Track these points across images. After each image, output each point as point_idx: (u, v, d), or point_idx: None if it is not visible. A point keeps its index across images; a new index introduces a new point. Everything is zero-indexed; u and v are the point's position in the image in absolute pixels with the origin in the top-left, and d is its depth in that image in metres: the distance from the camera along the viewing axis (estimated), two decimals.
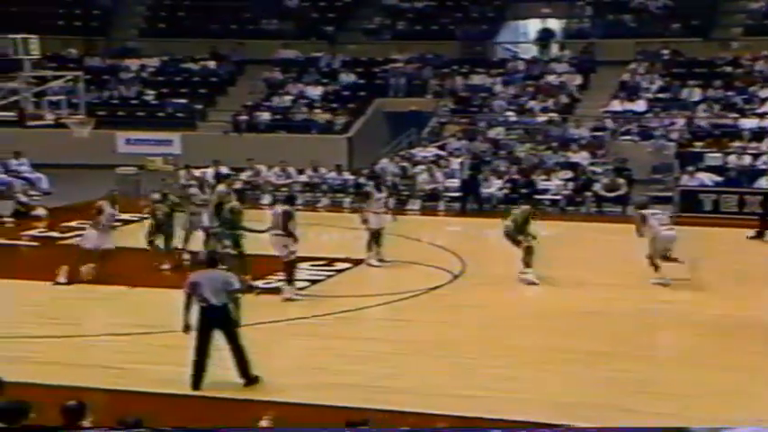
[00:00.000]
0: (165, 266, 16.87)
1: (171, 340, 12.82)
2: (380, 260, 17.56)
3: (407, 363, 12.26)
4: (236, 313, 11.15)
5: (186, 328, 11.08)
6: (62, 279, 15.88)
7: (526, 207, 16.85)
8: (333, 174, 25.97)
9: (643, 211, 16.31)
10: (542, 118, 29.18)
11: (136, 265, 16.88)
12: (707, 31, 31.52)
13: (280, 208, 15.71)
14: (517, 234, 16.30)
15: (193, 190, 18.56)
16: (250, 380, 11.20)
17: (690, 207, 23.00)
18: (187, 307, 11.04)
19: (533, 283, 16.08)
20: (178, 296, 15.39)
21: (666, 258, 15.91)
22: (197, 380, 11.10)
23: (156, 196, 17.55)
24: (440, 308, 15.03)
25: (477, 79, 31.84)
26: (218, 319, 11.00)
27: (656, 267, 15.93)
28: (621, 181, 23.91)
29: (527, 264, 16.21)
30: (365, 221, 17.61)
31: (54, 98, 20.28)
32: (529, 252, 16.20)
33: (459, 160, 26.03)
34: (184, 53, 34.56)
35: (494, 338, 13.34)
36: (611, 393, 11.15)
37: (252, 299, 13.81)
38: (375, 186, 18.60)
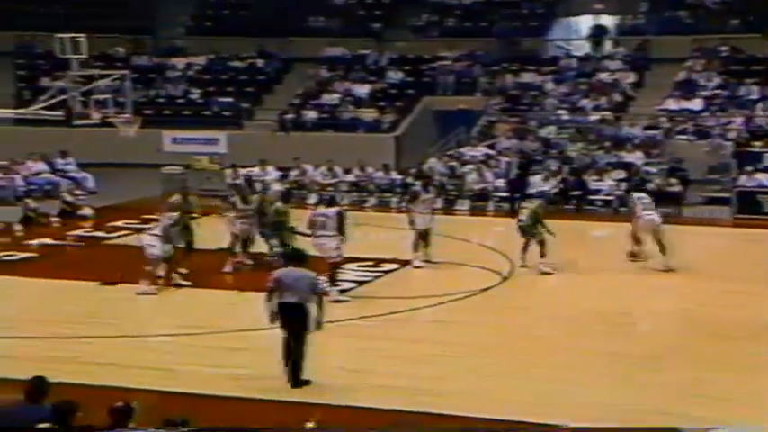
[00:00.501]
0: (183, 271, 16.23)
1: (219, 341, 12.96)
2: (428, 261, 17.54)
3: (456, 365, 12.23)
4: (319, 314, 11.22)
5: (272, 319, 11.24)
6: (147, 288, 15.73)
7: (539, 201, 18.17)
8: (380, 173, 25.99)
9: (633, 194, 18.10)
10: (594, 117, 28.94)
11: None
12: (766, 28, 31.04)
13: (330, 209, 15.75)
14: (533, 228, 17.13)
15: (234, 198, 18.46)
16: (298, 383, 11.27)
17: (747, 208, 22.68)
18: (269, 301, 11.24)
19: (550, 273, 16.82)
20: (224, 297, 15.61)
21: (637, 242, 17.47)
22: (295, 377, 11.18)
23: (176, 198, 17.41)
24: (489, 310, 14.99)
25: (527, 77, 31.67)
26: (292, 318, 11.13)
27: (634, 245, 17.48)
28: (674, 181, 23.65)
29: (543, 255, 17.07)
30: (412, 222, 17.63)
31: (101, 97, 20.45)
32: (543, 244, 17.07)
33: (508, 160, 25.92)
34: (231, 51, 34.81)
35: (544, 341, 13.27)
36: (663, 398, 11.03)
37: None
38: (422, 186, 18.59)
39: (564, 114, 29.37)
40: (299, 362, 11.24)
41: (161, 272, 15.80)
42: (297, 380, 11.26)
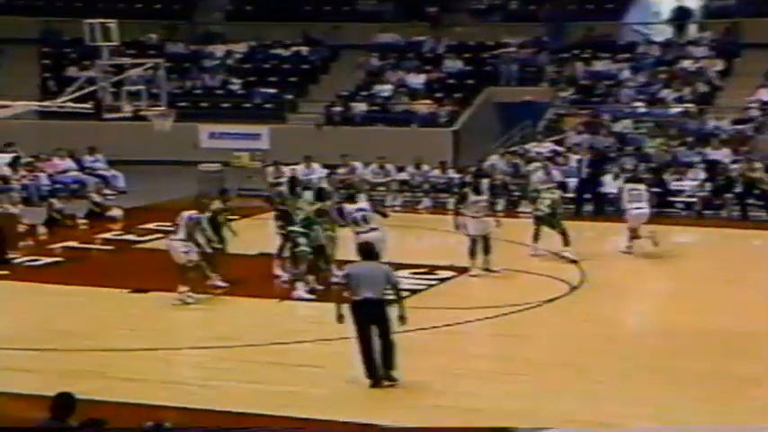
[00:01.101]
0: (218, 282, 16.38)
1: (256, 355, 13.00)
2: (487, 269, 17.46)
3: (519, 383, 12.17)
4: (401, 307, 11.81)
5: (340, 318, 11.77)
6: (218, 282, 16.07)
7: (557, 191, 19.52)
8: (436, 171, 25.97)
9: (626, 185, 19.44)
10: (677, 109, 28.67)
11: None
12: None
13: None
14: (552, 218, 18.33)
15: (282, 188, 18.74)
16: (390, 379, 11.73)
17: None
18: (341, 300, 11.80)
19: (576, 261, 17.81)
20: (265, 306, 15.68)
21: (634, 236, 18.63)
22: (372, 374, 11.72)
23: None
24: (556, 322, 14.88)
25: (600, 65, 31.47)
26: (374, 314, 11.63)
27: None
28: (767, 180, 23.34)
29: (567, 243, 18.36)
30: (460, 227, 17.55)
31: (133, 88, 20.64)
32: (566, 233, 18.37)
33: (579, 157, 25.75)
34: (274, 38, 35.02)
35: (618, 358, 13.13)
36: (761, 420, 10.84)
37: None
38: (473, 188, 18.40)
39: (641, 107, 29.13)
40: (392, 355, 11.72)
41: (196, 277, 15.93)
42: (389, 375, 11.71)
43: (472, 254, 17.52)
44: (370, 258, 12.07)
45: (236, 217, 18.74)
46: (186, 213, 15.89)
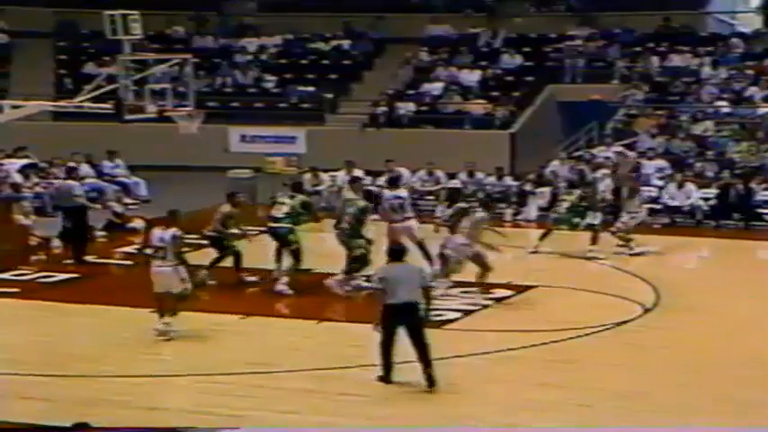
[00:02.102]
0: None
1: (292, 382, 13.03)
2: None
3: (582, 415, 12.11)
4: (427, 311, 12.68)
5: (379, 328, 12.53)
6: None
7: (578, 191, 21.02)
8: (492, 178, 25.95)
9: None
10: (765, 109, 28.42)
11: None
12: None
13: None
14: (569, 221, 20.03)
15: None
16: (431, 381, 12.45)
17: None
18: (379, 302, 12.51)
19: (601, 259, 19.45)
20: (303, 327, 15.73)
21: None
22: (387, 374, 12.65)
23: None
24: (626, 348, 14.81)
25: (678, 60, 31.34)
26: (407, 317, 12.43)
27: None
28: None
29: (595, 242, 20.11)
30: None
31: (157, 86, 20.81)
32: (596, 231, 20.29)
33: (654, 163, 25.63)
34: (312, 30, 35.23)
35: (700, 390, 13.03)
36: None
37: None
38: (482, 204, 18.62)
39: (724, 106, 28.93)
40: (428, 357, 12.43)
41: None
42: (431, 378, 12.47)
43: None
44: (400, 259, 12.79)
45: (254, 229, 18.96)
46: (166, 233, 15.30)
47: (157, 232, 15.24)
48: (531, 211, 24.55)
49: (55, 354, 14.50)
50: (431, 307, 12.99)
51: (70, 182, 21.20)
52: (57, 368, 13.71)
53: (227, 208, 18.10)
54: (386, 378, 12.72)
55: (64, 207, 20.89)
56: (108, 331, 15.63)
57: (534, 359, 14.37)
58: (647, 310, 16.56)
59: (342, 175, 26.22)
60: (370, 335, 12.90)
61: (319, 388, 12.89)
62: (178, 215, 15.75)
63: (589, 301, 17.13)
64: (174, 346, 14.98)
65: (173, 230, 15.16)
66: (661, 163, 25.94)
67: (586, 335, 15.16)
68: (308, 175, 25.52)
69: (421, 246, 17.92)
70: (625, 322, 15.86)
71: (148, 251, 15.53)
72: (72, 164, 23.56)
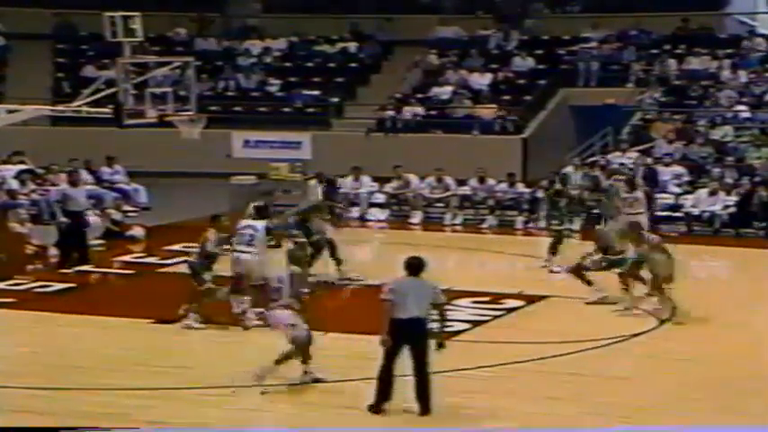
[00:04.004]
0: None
1: (295, 396, 13.05)
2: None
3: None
4: (440, 329, 12.35)
5: (385, 341, 12.18)
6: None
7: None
8: (503, 185, 25.96)
9: None
10: None
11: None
12: None
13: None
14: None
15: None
16: (426, 409, 12.17)
17: None
18: (387, 317, 12.21)
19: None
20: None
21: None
22: (379, 402, 12.21)
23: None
24: (640, 361, 14.85)
25: (697, 62, 31.32)
26: (414, 334, 12.16)
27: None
28: None
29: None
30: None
31: (158, 90, 20.91)
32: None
33: (671, 170, 25.61)
34: (318, 32, 35.26)
35: (715, 404, 13.02)
36: None
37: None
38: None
39: (744, 111, 28.87)
40: (428, 391, 12.14)
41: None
42: (428, 405, 12.16)
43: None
44: (415, 274, 12.44)
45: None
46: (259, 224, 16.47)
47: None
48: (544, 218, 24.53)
49: (53, 366, 14.51)
50: (444, 327, 12.57)
51: (78, 189, 21.21)
52: (55, 381, 13.73)
53: (212, 235, 16.73)
54: (377, 407, 12.30)
55: (70, 211, 20.85)
56: (107, 343, 15.66)
57: (544, 372, 14.37)
58: (662, 322, 16.53)
59: (349, 182, 26.30)
60: (376, 348, 12.92)
61: (320, 401, 12.91)
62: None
63: (603, 311, 17.11)
64: (175, 358, 15.01)
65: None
66: (678, 169, 25.94)
67: (599, 347, 15.16)
68: (313, 182, 25.48)
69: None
70: (640, 334, 15.84)
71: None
72: (72, 168, 23.54)
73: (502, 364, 14.32)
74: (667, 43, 32.28)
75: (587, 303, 17.32)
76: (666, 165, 26.03)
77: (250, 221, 16.85)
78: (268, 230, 16.73)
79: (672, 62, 31.48)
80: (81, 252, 20.66)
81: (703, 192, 24.54)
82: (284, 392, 13.25)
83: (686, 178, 25.68)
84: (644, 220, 20.51)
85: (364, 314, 15.98)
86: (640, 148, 27.65)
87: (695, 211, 24.24)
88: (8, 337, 16.29)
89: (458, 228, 25.45)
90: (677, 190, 25.14)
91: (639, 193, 22.11)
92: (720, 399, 13.24)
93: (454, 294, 17.55)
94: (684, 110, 29.63)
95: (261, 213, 17.25)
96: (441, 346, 12.25)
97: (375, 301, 12.57)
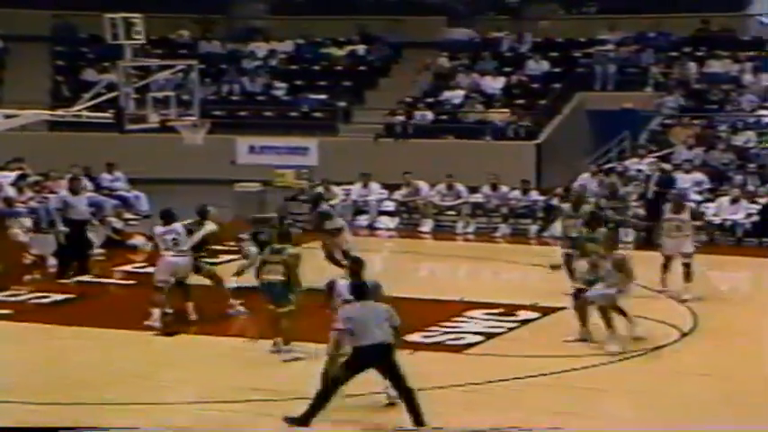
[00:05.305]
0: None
1: (298, 409, 13.03)
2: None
3: None
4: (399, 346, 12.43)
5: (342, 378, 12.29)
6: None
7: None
8: (516, 193, 25.96)
9: None
10: None
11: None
12: None
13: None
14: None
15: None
16: (421, 422, 12.15)
17: None
18: (338, 348, 12.47)
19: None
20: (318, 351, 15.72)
21: None
22: (307, 417, 12.20)
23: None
24: (659, 375, 14.76)
25: (718, 65, 31.34)
26: (383, 358, 12.20)
27: None
28: None
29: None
30: None
31: (160, 94, 20.94)
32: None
33: (691, 176, 25.59)
34: (325, 35, 35.32)
35: (736, 421, 12.97)
36: None
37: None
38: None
39: (767, 116, 28.86)
40: (417, 404, 12.16)
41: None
42: (421, 418, 12.15)
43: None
44: (363, 298, 12.54)
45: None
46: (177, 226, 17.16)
47: None
48: (558, 227, 24.50)
49: (54, 380, 14.49)
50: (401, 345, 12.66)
51: (79, 197, 21.24)
52: (57, 396, 13.72)
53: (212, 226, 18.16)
54: (303, 421, 12.28)
55: (71, 219, 20.87)
56: (107, 356, 15.67)
57: (558, 386, 14.35)
58: (684, 335, 16.51)
59: (357, 189, 26.32)
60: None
61: (335, 417, 12.89)
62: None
63: (622, 324, 17.07)
64: (178, 372, 15.02)
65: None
66: (698, 176, 25.89)
67: (617, 360, 15.14)
68: (319, 189, 25.53)
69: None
70: (660, 347, 15.82)
71: None
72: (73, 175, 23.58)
73: (515, 378, 14.31)
74: (687, 45, 32.28)
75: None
76: (686, 172, 25.99)
77: (169, 227, 17.32)
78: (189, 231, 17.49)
79: (692, 65, 31.47)
80: (81, 262, 20.69)
81: (725, 200, 24.52)
82: (290, 405, 13.25)
83: (707, 186, 25.63)
84: (688, 244, 19.09)
85: None
86: (659, 154, 27.63)
87: (716, 220, 24.18)
88: (5, 349, 16.28)
89: (470, 236, 25.44)
90: (698, 198, 25.12)
91: (686, 215, 19.58)
92: (741, 413, 13.21)
93: (466, 306, 17.64)
94: (705, 114, 29.62)
95: (168, 218, 17.59)
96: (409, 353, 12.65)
97: None
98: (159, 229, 17.42)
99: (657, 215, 22.15)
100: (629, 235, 23.98)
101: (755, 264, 22.77)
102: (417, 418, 12.14)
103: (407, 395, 12.20)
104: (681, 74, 31.35)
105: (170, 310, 17.17)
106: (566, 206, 19.83)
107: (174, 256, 17.07)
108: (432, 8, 35.53)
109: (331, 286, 13.62)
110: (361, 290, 12.71)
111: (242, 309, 17.49)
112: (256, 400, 13.56)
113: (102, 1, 27.33)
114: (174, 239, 17.15)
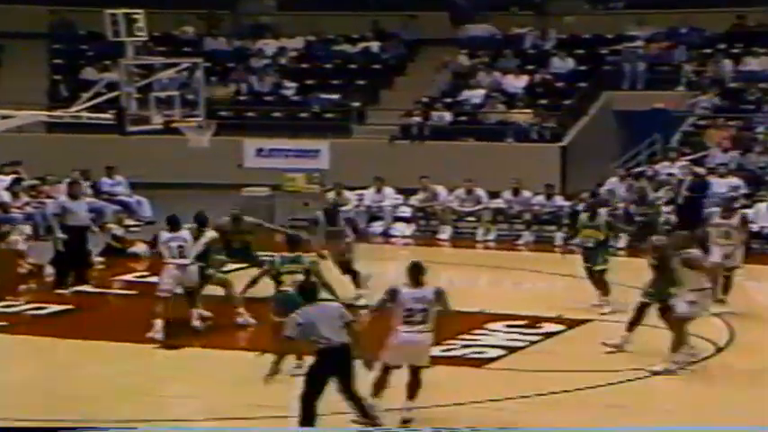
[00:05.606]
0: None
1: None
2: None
3: None
4: (357, 350, 12.47)
5: (272, 376, 12.50)
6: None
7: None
8: (540, 198, 25.95)
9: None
10: None
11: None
12: None
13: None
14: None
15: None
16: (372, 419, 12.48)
17: None
18: (284, 354, 12.73)
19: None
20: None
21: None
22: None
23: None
24: (690, 393, 14.78)
25: (755, 63, 31.29)
26: (339, 362, 12.37)
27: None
28: None
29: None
30: None
31: (163, 94, 20.98)
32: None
33: (726, 181, 25.53)
34: (337, 31, 35.35)
35: None
36: None
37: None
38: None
39: None
40: (363, 404, 12.46)
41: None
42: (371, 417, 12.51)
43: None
44: (312, 300, 12.84)
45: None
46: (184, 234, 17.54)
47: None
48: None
49: (54, 397, 14.53)
50: (357, 344, 12.64)
51: (78, 202, 21.27)
52: (48, 412, 13.71)
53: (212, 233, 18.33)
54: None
55: (70, 226, 20.89)
56: (106, 370, 15.69)
57: (582, 404, 14.34)
58: (719, 350, 16.47)
59: (371, 194, 26.33)
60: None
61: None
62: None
63: (652, 337, 17.03)
64: (185, 387, 15.05)
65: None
66: (734, 181, 25.78)
67: (645, 377, 15.10)
68: (331, 194, 25.57)
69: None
70: (693, 363, 15.78)
71: None
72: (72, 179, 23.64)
73: (538, 395, 14.29)
74: (722, 42, 32.23)
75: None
76: (721, 176, 25.90)
77: (175, 234, 17.49)
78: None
79: (727, 62, 31.43)
80: (79, 271, 20.70)
81: (762, 206, 24.47)
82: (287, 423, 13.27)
83: (743, 190, 25.56)
84: (738, 255, 18.98)
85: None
86: (692, 157, 27.57)
87: (753, 227, 24.08)
88: (2, 364, 16.30)
89: (490, 244, 25.42)
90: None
91: (736, 221, 19.37)
92: None
93: (487, 318, 17.63)
94: (741, 115, 29.58)
95: (175, 224, 17.72)
96: (369, 363, 12.59)
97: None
98: (165, 235, 17.49)
99: (691, 221, 22.34)
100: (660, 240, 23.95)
101: None
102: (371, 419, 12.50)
103: (356, 399, 12.43)
104: (715, 72, 31.30)
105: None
106: (583, 216, 19.64)
107: (179, 264, 17.08)
108: (450, 3, 35.45)
109: (394, 294, 13.48)
110: (309, 291, 13.05)
111: (252, 319, 17.49)
112: (266, 417, 13.57)
113: None
114: (179, 247, 17.18)
